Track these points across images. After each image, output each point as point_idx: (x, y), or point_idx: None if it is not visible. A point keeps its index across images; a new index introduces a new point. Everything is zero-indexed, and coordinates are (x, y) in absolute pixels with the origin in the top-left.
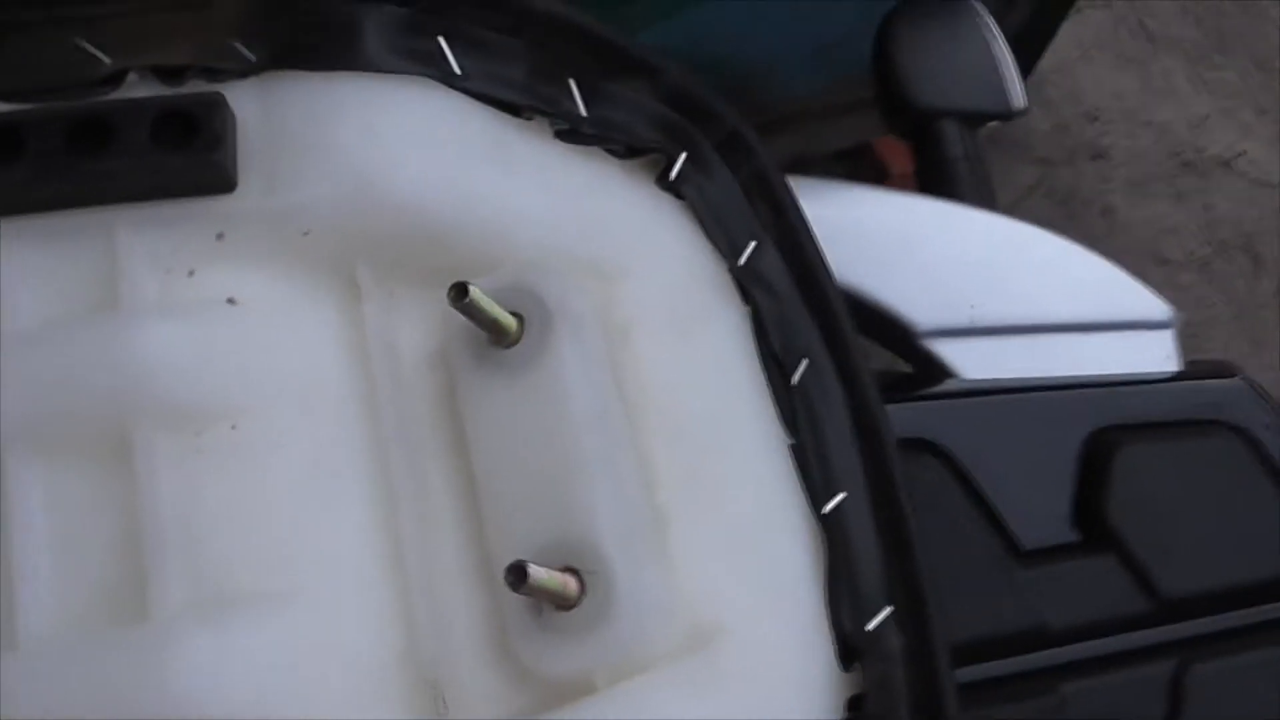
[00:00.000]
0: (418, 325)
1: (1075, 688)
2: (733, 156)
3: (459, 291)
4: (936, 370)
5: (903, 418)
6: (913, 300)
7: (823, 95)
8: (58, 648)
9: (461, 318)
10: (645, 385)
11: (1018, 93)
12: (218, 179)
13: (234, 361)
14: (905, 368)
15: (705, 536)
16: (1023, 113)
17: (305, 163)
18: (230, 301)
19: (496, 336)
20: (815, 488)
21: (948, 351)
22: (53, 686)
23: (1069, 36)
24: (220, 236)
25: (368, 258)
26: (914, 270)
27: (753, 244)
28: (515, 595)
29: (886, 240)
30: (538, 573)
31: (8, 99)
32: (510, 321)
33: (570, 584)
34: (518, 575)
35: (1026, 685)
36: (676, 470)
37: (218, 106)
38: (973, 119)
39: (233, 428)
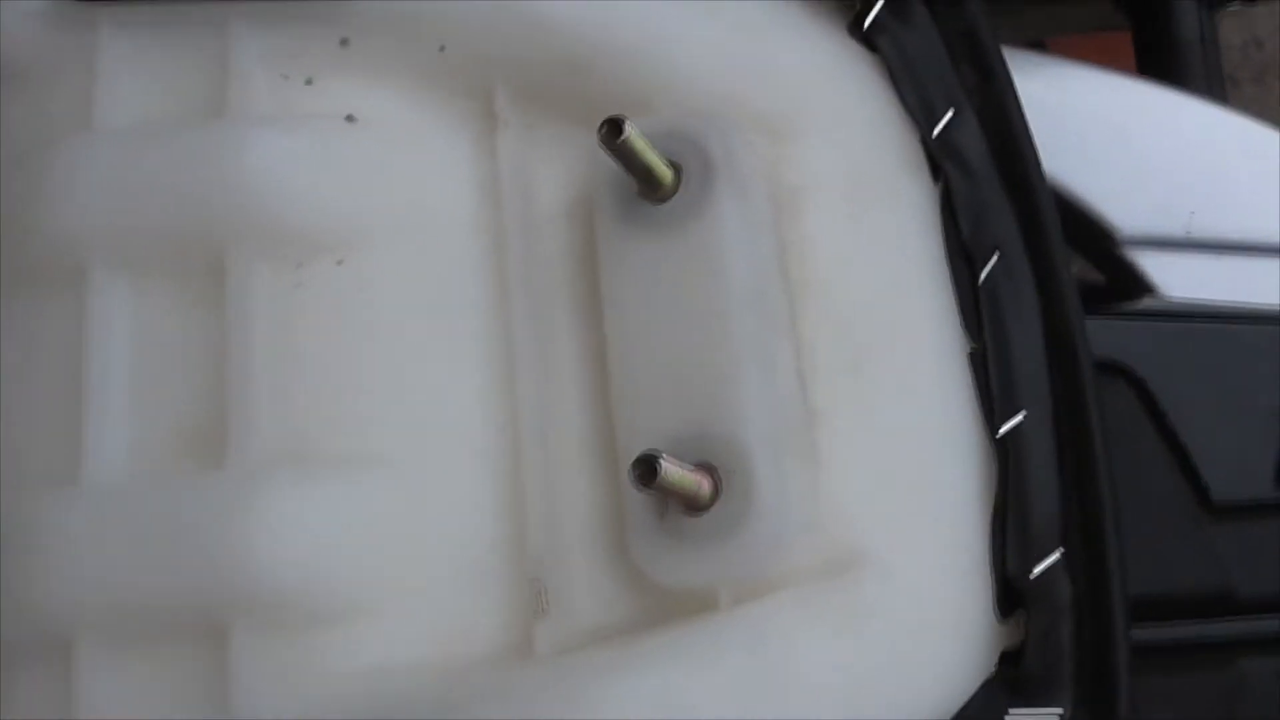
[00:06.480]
0: (556, 167)
1: (1258, 665)
2: (939, 7)
3: (613, 129)
4: (1135, 284)
5: (1094, 334)
6: (1119, 200)
7: None
8: (121, 486)
9: (610, 161)
10: (810, 265)
11: None
12: None
13: (347, 186)
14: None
15: (861, 447)
16: None
17: None
18: (350, 118)
19: (647, 187)
20: (993, 404)
21: (1152, 264)
22: (111, 527)
23: None
24: (345, 43)
25: (506, 82)
26: (1125, 165)
27: (951, 111)
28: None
29: (1096, 127)
30: (670, 470)
31: None
32: (666, 171)
33: (705, 485)
34: (646, 470)
35: (1201, 656)
36: (836, 367)
37: None
38: None
39: (338, 263)
